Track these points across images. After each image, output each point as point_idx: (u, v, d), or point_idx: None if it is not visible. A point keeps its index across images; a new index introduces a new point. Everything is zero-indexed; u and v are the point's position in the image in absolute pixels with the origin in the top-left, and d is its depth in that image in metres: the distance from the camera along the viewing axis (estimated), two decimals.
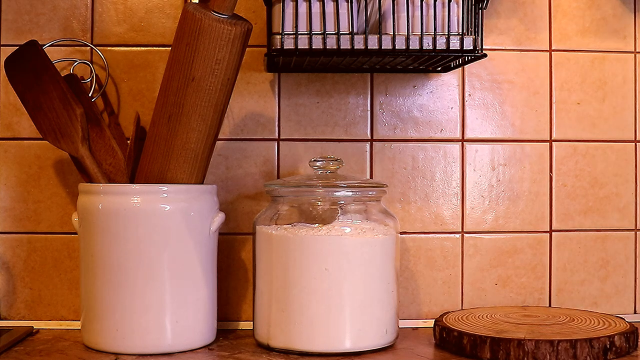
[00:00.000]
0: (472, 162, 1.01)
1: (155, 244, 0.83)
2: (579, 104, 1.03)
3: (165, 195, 0.84)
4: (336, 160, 0.89)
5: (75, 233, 0.91)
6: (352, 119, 1.00)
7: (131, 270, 0.82)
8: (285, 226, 0.84)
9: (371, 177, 0.99)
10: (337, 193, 0.86)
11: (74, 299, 0.98)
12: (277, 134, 0.99)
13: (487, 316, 0.91)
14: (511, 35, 1.01)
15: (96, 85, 0.96)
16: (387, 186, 0.90)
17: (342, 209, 0.86)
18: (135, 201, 0.83)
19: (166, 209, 0.83)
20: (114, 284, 0.83)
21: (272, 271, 0.84)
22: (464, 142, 1.01)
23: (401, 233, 0.99)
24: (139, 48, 0.98)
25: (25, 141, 0.98)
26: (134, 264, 0.82)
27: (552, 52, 1.02)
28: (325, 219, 0.86)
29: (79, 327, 0.90)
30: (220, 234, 0.92)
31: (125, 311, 0.83)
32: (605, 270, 1.03)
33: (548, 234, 1.02)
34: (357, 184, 0.88)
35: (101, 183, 0.88)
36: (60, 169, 0.98)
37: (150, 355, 0.83)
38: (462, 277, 1.01)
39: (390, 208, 0.97)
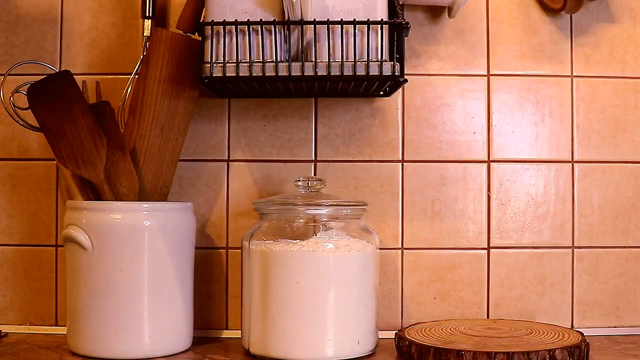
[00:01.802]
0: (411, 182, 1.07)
1: (142, 256, 0.90)
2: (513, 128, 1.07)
3: (146, 212, 0.91)
4: (320, 180, 0.96)
5: (46, 245, 1.00)
6: (296, 141, 1.06)
7: (120, 283, 0.89)
8: (266, 242, 0.90)
9: None
10: (316, 211, 0.92)
11: (41, 306, 1.06)
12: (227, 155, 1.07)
13: (449, 328, 0.97)
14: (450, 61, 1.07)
15: None
16: (367, 205, 0.96)
17: (324, 225, 0.92)
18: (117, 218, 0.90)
19: (146, 224, 0.90)
20: (102, 293, 0.89)
21: (252, 283, 0.91)
22: (404, 163, 1.07)
23: None
24: (106, 76, 1.06)
25: None
26: (133, 277, 0.90)
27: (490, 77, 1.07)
28: (305, 235, 0.91)
29: (45, 332, 1.00)
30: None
31: (110, 319, 0.89)
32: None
33: (486, 250, 1.06)
34: (336, 203, 0.93)
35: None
36: (30, 186, 1.06)
37: None
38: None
39: None
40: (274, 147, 1.06)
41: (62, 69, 1.01)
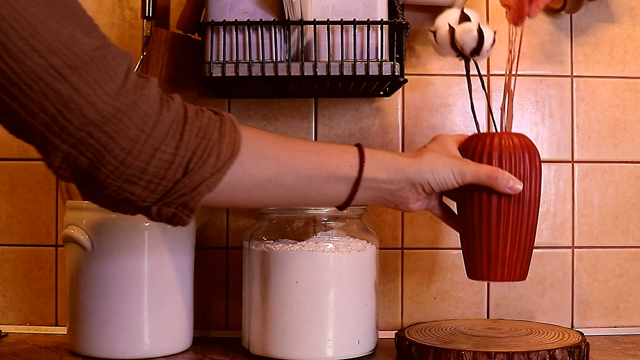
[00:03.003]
0: None
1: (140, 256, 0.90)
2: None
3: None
4: None
5: (46, 245, 1.01)
6: None
7: (120, 283, 0.89)
8: (266, 242, 0.90)
9: None
10: (316, 211, 0.92)
11: (41, 306, 1.07)
12: None
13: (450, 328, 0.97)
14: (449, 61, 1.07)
15: None
16: (366, 206, 0.96)
17: (324, 225, 0.92)
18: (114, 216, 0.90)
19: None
20: (102, 293, 0.89)
21: (252, 283, 0.91)
22: None
23: None
24: None
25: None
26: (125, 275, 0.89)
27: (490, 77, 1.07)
28: (305, 235, 0.91)
29: (45, 332, 1.01)
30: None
31: (110, 319, 0.89)
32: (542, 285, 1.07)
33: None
34: None
35: None
36: (30, 186, 1.07)
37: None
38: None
39: None
40: None
41: None
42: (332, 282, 0.88)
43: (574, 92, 1.07)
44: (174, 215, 0.65)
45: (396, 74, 0.89)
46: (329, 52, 0.89)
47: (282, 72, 0.88)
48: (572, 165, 1.07)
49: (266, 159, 0.69)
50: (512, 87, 0.88)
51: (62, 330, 1.02)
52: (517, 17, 0.89)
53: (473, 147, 0.82)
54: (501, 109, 0.88)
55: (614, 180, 1.07)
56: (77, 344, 0.91)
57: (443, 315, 1.06)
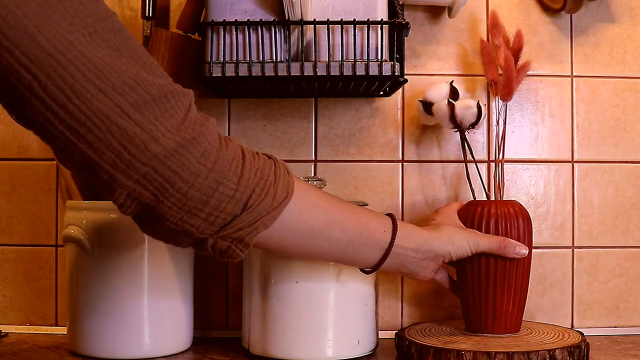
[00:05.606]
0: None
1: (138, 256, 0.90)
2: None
3: None
4: (320, 179, 0.96)
5: (46, 245, 1.01)
6: (296, 141, 1.07)
7: (120, 283, 0.89)
8: None
9: None
10: None
11: (41, 306, 1.07)
12: None
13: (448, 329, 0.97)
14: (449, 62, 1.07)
15: None
16: (367, 205, 0.94)
17: None
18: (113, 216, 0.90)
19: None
20: (102, 293, 0.89)
21: (252, 283, 0.91)
22: (404, 163, 1.07)
23: None
24: None
25: None
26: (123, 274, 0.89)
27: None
28: None
29: (45, 332, 1.01)
30: None
31: (110, 319, 0.89)
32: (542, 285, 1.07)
33: None
34: None
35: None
36: (30, 186, 1.07)
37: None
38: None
39: None
40: (274, 147, 1.06)
41: None
42: (332, 282, 0.88)
43: (574, 92, 1.07)
44: (228, 249, 0.68)
45: (396, 74, 0.89)
46: (329, 52, 0.89)
47: (282, 72, 0.88)
48: (572, 165, 1.07)
49: (318, 208, 0.73)
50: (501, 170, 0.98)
51: (62, 330, 1.02)
52: (505, 94, 0.96)
53: (480, 215, 0.91)
54: (494, 177, 0.99)
55: (614, 180, 1.07)
56: (77, 344, 0.91)
57: (443, 315, 1.06)
